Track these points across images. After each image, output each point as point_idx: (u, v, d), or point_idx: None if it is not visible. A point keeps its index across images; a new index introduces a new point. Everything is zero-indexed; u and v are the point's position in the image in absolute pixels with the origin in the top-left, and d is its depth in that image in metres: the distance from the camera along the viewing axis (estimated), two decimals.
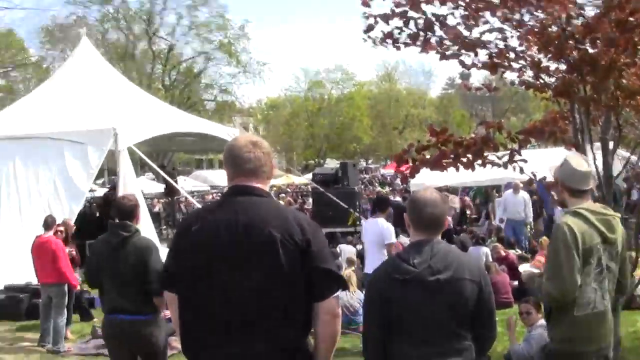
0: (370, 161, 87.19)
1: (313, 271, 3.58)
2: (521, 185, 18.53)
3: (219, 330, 3.63)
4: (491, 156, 7.63)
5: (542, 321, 7.78)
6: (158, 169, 20.85)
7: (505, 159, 7.48)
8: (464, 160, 7.46)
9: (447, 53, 7.70)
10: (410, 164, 7.69)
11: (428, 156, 7.70)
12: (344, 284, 3.77)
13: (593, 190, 5.61)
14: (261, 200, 3.74)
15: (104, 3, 56.69)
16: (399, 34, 7.75)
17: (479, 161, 7.57)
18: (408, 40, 7.79)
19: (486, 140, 7.26)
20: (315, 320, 3.65)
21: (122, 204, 7.07)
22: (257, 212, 3.66)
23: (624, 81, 6.87)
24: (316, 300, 3.62)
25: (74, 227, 13.65)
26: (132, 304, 6.33)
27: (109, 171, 19.88)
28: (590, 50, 6.80)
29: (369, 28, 7.83)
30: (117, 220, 6.96)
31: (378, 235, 10.28)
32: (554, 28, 6.97)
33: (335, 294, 3.66)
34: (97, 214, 20.36)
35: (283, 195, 37.96)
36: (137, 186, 17.79)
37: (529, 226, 19.59)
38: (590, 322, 4.30)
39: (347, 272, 12.15)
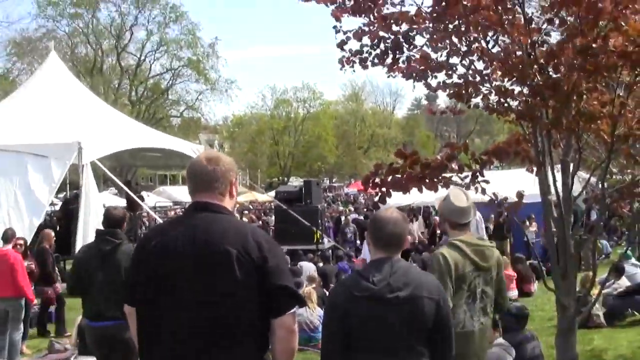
0: (334, 180, 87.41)
1: (270, 288, 3.60)
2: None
3: (174, 345, 3.64)
4: (455, 177, 7.69)
5: (500, 340, 7.86)
6: (121, 184, 20.73)
7: (468, 180, 7.55)
8: (427, 181, 7.51)
9: (414, 74, 7.77)
10: (377, 188, 7.72)
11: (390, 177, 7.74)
12: (301, 301, 3.80)
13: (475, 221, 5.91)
14: (220, 217, 3.75)
15: (74, 17, 56.64)
16: (368, 53, 7.82)
17: (442, 182, 7.63)
18: (376, 60, 7.86)
19: (450, 158, 7.33)
20: (272, 337, 3.66)
21: (112, 213, 7.41)
22: (214, 228, 3.67)
23: (585, 106, 6.97)
24: (273, 317, 3.63)
25: (53, 239, 13.72)
26: (120, 309, 6.43)
27: (70, 185, 19.74)
28: (554, 76, 6.90)
29: (342, 43, 7.90)
30: (105, 229, 7.28)
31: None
32: (518, 53, 7.06)
33: (292, 311, 3.68)
34: (58, 228, 20.14)
35: (246, 212, 37.90)
36: (99, 201, 17.68)
37: None
38: (458, 339, 4.41)
39: (308, 289, 12.22)
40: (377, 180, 7.60)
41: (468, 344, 5.25)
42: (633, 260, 14.98)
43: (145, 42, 60.85)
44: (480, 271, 5.38)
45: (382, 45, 7.72)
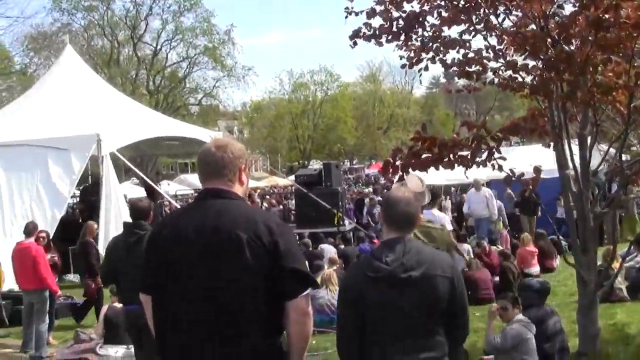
0: (355, 161, 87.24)
1: (281, 271, 3.60)
2: (482, 182, 18.76)
3: (180, 334, 3.66)
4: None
5: (520, 316, 7.84)
6: (140, 174, 20.84)
7: (484, 157, 7.52)
8: (446, 160, 7.50)
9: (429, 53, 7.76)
10: (396, 172, 7.71)
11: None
12: (314, 283, 3.79)
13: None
14: (230, 202, 3.77)
15: (89, 10, 56.74)
16: (382, 32, 7.82)
17: (459, 161, 7.60)
18: (390, 37, 7.85)
19: (479, 141, 7.30)
20: (286, 320, 3.66)
21: (137, 205, 7.80)
22: (225, 214, 3.69)
23: (600, 77, 6.92)
24: (286, 300, 3.63)
25: (96, 231, 14.05)
26: None
27: (92, 177, 19.87)
28: (566, 48, 6.85)
29: (356, 33, 7.89)
30: (131, 221, 7.66)
31: None
32: (531, 27, 7.01)
33: (305, 293, 3.67)
34: (80, 220, 20.30)
35: (267, 197, 37.94)
36: (120, 192, 17.80)
37: (496, 223, 19.68)
38: None
39: (329, 271, 12.22)
40: (397, 163, 7.58)
41: None
42: None
43: (161, 32, 60.86)
44: None
45: (394, 26, 7.69)
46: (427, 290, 3.97)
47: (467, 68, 7.48)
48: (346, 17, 8.00)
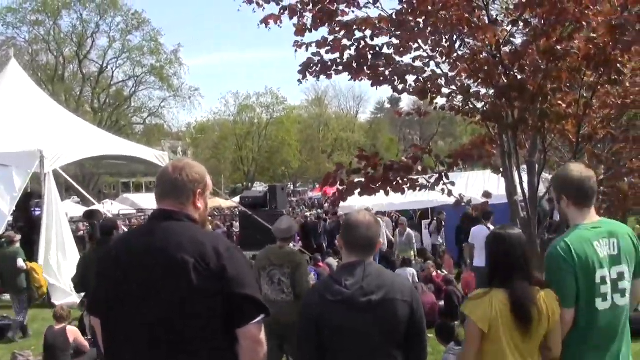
0: (298, 184, 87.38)
1: (230, 297, 3.52)
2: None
3: (136, 356, 3.58)
4: (420, 179, 7.71)
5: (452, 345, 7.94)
6: (83, 192, 20.58)
7: (434, 182, 7.56)
8: (394, 183, 7.51)
9: (381, 79, 7.76)
10: (338, 187, 7.70)
11: (356, 180, 7.73)
12: (265, 310, 3.66)
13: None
14: (178, 224, 3.69)
15: (35, 25, 56.20)
16: (332, 62, 7.78)
17: (408, 184, 7.63)
18: (340, 68, 7.83)
19: (415, 160, 7.34)
20: (238, 348, 3.57)
21: (104, 223, 8.98)
22: (172, 237, 3.61)
23: (550, 107, 7.03)
24: (237, 327, 3.55)
25: None
26: None
27: (33, 194, 19.54)
28: (519, 77, 6.95)
29: (306, 66, 7.85)
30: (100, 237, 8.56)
31: None
32: (484, 55, 7.10)
33: (256, 320, 3.58)
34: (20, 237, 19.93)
35: (210, 218, 37.71)
36: (62, 209, 17.53)
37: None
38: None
39: None
40: (338, 180, 7.55)
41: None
42: None
43: (107, 49, 60.68)
44: (274, 266, 8.20)
45: (345, 55, 7.68)
46: (387, 314, 3.97)
47: (425, 86, 7.52)
48: (296, 50, 7.98)
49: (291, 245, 9.21)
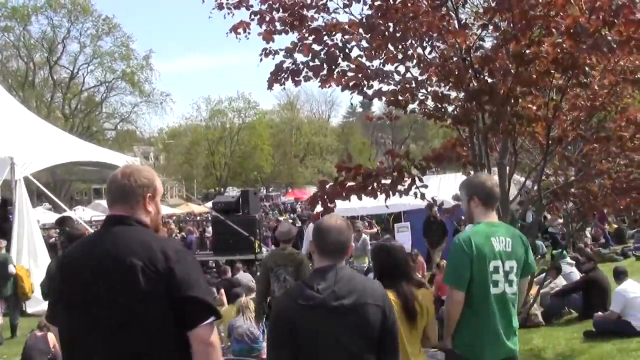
0: (271, 189, 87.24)
1: (179, 299, 3.52)
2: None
3: None
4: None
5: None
6: (55, 198, 20.42)
7: (408, 185, 7.59)
8: (369, 188, 7.54)
9: (350, 84, 7.77)
10: (314, 193, 7.75)
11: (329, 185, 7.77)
12: (215, 312, 3.63)
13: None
14: (128, 228, 3.70)
15: (4, 31, 55.79)
16: (302, 68, 7.79)
17: (381, 189, 7.65)
18: (310, 74, 7.84)
19: (400, 170, 7.36)
20: (192, 351, 3.57)
21: (73, 233, 8.79)
22: (121, 241, 3.62)
23: (520, 109, 7.09)
24: (187, 330, 3.54)
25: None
26: None
27: (4, 201, 19.37)
28: (489, 80, 7.00)
29: (277, 71, 7.84)
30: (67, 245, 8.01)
31: None
32: (455, 59, 7.14)
33: (206, 322, 3.57)
34: None
35: (183, 224, 37.58)
36: (33, 216, 17.40)
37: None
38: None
39: (245, 299, 12.13)
40: (323, 200, 7.62)
41: None
42: (568, 259, 15.24)
43: (78, 55, 60.25)
44: (279, 266, 9.29)
45: (316, 60, 7.69)
46: (359, 318, 3.96)
47: (399, 97, 7.55)
48: (261, 60, 8.01)
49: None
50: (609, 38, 6.04)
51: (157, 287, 3.47)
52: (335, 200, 7.69)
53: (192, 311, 3.54)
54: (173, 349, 3.54)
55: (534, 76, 6.64)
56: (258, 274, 17.83)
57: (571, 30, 6.18)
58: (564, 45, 6.29)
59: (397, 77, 7.58)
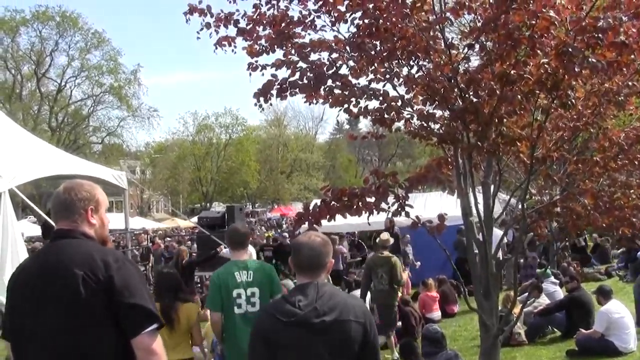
0: (257, 205, 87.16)
1: (120, 307, 3.58)
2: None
3: None
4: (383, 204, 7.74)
5: None
6: (40, 211, 20.32)
7: (394, 206, 7.58)
8: (354, 207, 7.56)
9: (338, 100, 7.80)
10: (299, 212, 7.81)
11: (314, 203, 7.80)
12: (157, 320, 3.71)
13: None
14: (72, 241, 3.78)
15: None
16: (288, 84, 7.80)
17: (365, 208, 7.67)
18: (296, 90, 7.86)
19: (385, 190, 7.38)
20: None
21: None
22: (64, 253, 3.69)
23: (505, 129, 7.13)
24: (130, 337, 3.60)
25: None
26: None
27: None
28: (474, 100, 7.04)
29: (267, 87, 7.85)
30: None
31: None
32: (440, 78, 7.18)
33: (148, 330, 3.63)
34: None
35: (169, 239, 37.45)
36: (18, 229, 17.30)
37: None
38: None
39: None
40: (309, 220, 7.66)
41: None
42: (552, 278, 15.30)
43: (66, 68, 60.31)
44: (377, 266, 12.33)
45: (305, 78, 7.70)
46: (340, 335, 3.97)
47: (385, 115, 7.58)
48: (250, 74, 8.03)
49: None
50: (593, 60, 6.10)
51: (98, 296, 3.53)
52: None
53: (134, 318, 3.61)
54: (110, 358, 3.60)
55: (519, 96, 6.68)
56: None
57: (560, 51, 6.23)
58: (547, 67, 6.34)
59: (383, 96, 7.60)
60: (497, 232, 9.59)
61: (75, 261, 3.60)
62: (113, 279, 3.57)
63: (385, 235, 13.35)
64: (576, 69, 6.14)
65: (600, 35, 6.02)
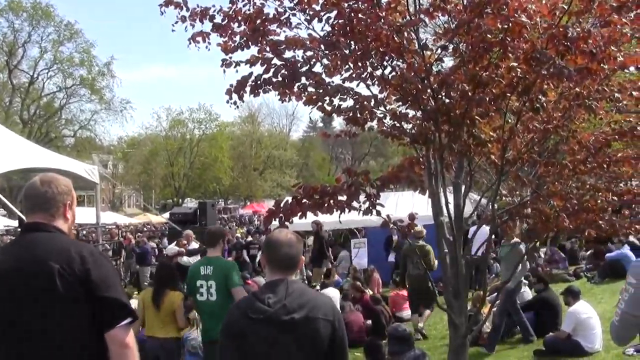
0: (229, 201, 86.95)
1: (95, 300, 3.60)
2: None
3: None
4: (354, 203, 7.77)
5: None
6: (10, 205, 20.21)
7: (365, 205, 7.62)
8: (325, 205, 7.59)
9: (313, 98, 7.81)
10: (270, 208, 7.81)
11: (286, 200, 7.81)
12: (132, 314, 3.76)
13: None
14: (47, 235, 3.77)
15: None
16: (262, 81, 7.81)
17: (337, 206, 7.69)
18: (269, 87, 7.87)
19: (357, 188, 7.41)
20: (110, 353, 3.65)
21: None
22: (40, 246, 3.68)
23: (476, 131, 7.19)
24: (104, 331, 3.62)
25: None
26: None
27: None
28: (446, 101, 7.09)
29: (241, 85, 7.86)
30: None
31: None
32: (413, 78, 7.21)
33: (123, 323, 3.67)
34: None
35: (140, 234, 37.28)
36: None
37: None
38: None
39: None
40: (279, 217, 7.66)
41: None
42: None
43: (39, 60, 59.79)
44: (414, 253, 13.67)
45: (279, 75, 7.71)
46: (309, 332, 4.00)
47: (358, 115, 7.61)
48: (224, 71, 8.02)
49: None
50: (562, 65, 6.17)
51: (73, 290, 3.55)
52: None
53: (110, 311, 3.65)
54: (92, 352, 3.63)
55: (487, 99, 6.73)
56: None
57: (529, 56, 6.30)
58: (518, 70, 6.41)
59: (356, 95, 7.63)
60: (485, 230, 9.68)
61: (51, 255, 3.60)
62: (90, 272, 3.59)
63: (419, 227, 13.78)
64: (544, 73, 6.21)
65: (569, 43, 6.10)
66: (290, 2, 7.66)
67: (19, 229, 3.91)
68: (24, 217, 4.06)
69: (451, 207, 8.14)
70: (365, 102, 7.51)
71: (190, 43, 8.00)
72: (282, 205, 7.62)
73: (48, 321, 3.54)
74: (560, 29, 6.18)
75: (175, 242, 19.72)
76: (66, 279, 3.54)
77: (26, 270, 3.58)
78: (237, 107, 8.29)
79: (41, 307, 3.54)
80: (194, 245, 18.13)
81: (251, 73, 7.75)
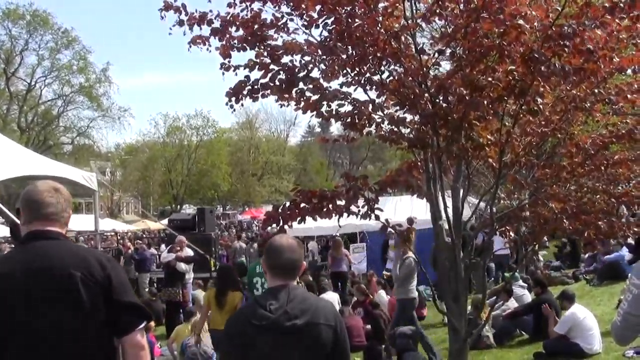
0: (228, 207, 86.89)
1: (116, 305, 3.64)
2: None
3: None
4: (352, 207, 7.78)
5: None
6: (8, 212, 20.17)
7: (364, 209, 7.63)
8: (324, 210, 7.60)
9: (310, 102, 7.82)
10: (268, 212, 7.83)
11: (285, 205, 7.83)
12: (148, 317, 3.82)
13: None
14: (58, 242, 3.76)
15: None
16: (260, 85, 7.81)
17: (335, 211, 7.70)
18: (267, 92, 7.87)
19: (355, 193, 7.42)
20: (124, 356, 3.69)
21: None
22: (55, 254, 3.66)
23: (474, 134, 7.20)
24: (120, 335, 3.67)
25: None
26: None
27: None
28: (444, 105, 7.10)
29: (238, 89, 7.86)
30: None
31: None
32: (411, 82, 7.23)
33: (140, 327, 3.72)
34: None
35: (138, 241, 37.23)
36: None
37: None
38: None
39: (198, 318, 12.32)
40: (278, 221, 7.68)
41: None
42: (520, 282, 15.46)
43: (36, 67, 59.77)
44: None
45: (277, 80, 7.71)
46: (311, 338, 4.00)
47: (356, 120, 7.61)
48: (223, 73, 8.02)
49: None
50: (559, 64, 6.19)
51: (96, 296, 3.58)
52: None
53: (129, 316, 3.70)
54: (107, 356, 3.68)
55: (485, 102, 6.74)
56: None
57: (525, 57, 6.31)
58: (515, 73, 6.42)
59: (354, 100, 7.63)
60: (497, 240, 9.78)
61: (70, 262, 3.61)
62: (111, 278, 3.63)
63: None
64: (542, 72, 6.22)
65: (566, 42, 6.11)
66: (288, 8, 7.67)
67: (27, 237, 3.77)
68: (18, 222, 4.03)
69: (450, 210, 8.15)
70: (363, 107, 7.52)
71: (190, 46, 8.00)
72: (280, 209, 7.64)
73: (64, 327, 3.54)
74: (556, 28, 6.20)
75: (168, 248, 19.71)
76: (89, 285, 3.56)
77: (44, 278, 3.56)
78: (234, 110, 8.27)
79: (57, 314, 3.54)
80: (188, 251, 17.98)
81: (248, 77, 7.76)
